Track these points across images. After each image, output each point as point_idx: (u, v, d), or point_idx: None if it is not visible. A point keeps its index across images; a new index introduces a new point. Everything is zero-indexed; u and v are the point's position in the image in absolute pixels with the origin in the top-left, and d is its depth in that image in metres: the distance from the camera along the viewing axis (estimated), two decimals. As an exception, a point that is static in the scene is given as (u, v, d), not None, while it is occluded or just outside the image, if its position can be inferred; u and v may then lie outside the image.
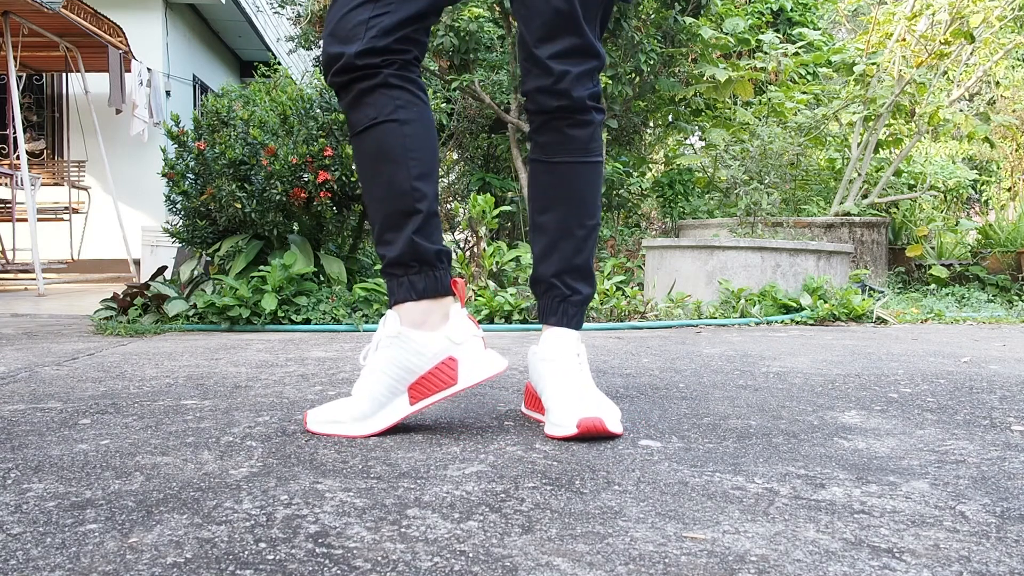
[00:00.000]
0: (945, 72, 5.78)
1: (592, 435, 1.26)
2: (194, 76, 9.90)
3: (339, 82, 1.32)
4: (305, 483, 1.04)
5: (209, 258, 3.72)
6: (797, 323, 3.61)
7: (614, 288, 3.78)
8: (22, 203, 7.03)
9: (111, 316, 3.39)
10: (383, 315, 3.33)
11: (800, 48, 6.57)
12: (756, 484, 1.04)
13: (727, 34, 6.23)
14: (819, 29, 8.35)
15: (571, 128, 1.40)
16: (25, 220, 6.91)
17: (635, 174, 6.68)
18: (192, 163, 3.66)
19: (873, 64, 5.43)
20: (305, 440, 1.28)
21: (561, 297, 1.43)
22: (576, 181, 1.43)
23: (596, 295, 3.68)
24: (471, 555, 0.80)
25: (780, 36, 7.23)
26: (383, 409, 1.30)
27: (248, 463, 1.14)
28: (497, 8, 5.02)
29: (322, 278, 3.62)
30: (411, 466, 1.12)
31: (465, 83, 5.36)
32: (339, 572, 0.76)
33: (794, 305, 3.72)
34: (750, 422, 1.43)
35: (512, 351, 2.49)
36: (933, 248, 5.60)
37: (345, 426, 1.30)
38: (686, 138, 8.14)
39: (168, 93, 8.84)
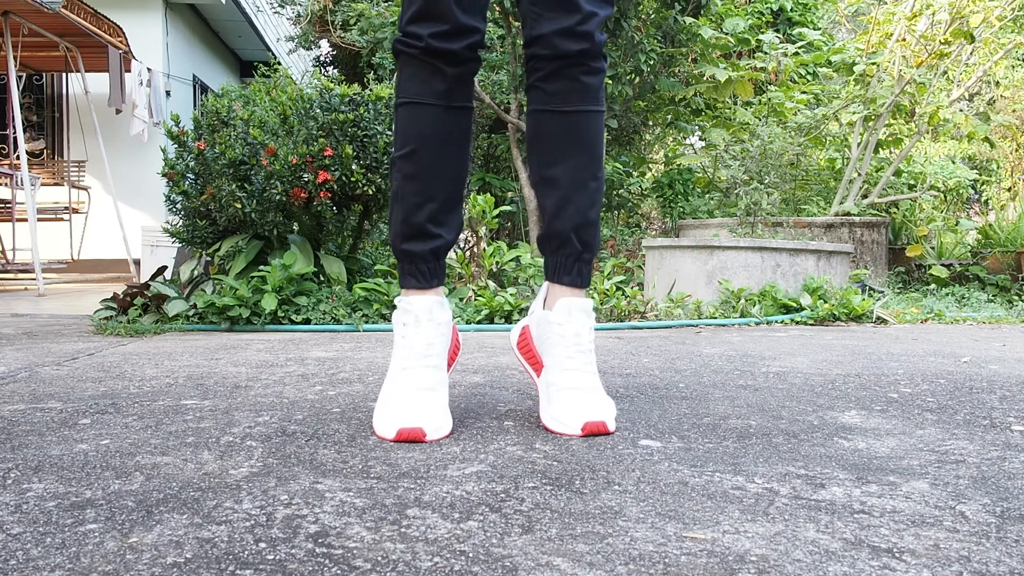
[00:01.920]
0: (945, 72, 5.78)
1: (592, 434, 1.28)
2: (194, 76, 9.90)
3: None
4: (305, 483, 1.04)
5: (209, 258, 3.72)
6: (797, 323, 3.61)
7: (614, 288, 3.78)
8: (22, 203, 7.03)
9: (111, 316, 3.39)
10: (384, 315, 3.34)
11: (800, 48, 6.57)
12: (756, 484, 1.04)
13: (727, 34, 6.23)
14: (819, 29, 8.35)
15: (586, 76, 1.37)
16: (25, 220, 6.91)
17: (635, 174, 6.68)
18: (192, 163, 3.66)
19: (873, 64, 5.43)
20: (305, 440, 1.28)
21: (575, 255, 1.40)
22: (589, 131, 1.39)
23: (596, 295, 3.68)
24: (471, 555, 0.80)
25: (780, 36, 7.23)
26: None
27: (248, 463, 1.14)
28: (497, 8, 5.01)
29: (322, 278, 3.62)
30: (411, 466, 1.12)
31: (465, 83, 5.35)
32: (339, 572, 0.76)
33: (794, 305, 3.72)
34: (750, 422, 1.43)
35: (512, 351, 2.48)
36: (933, 248, 5.60)
37: None
38: (686, 138, 8.14)
39: (168, 93, 8.84)
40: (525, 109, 1.47)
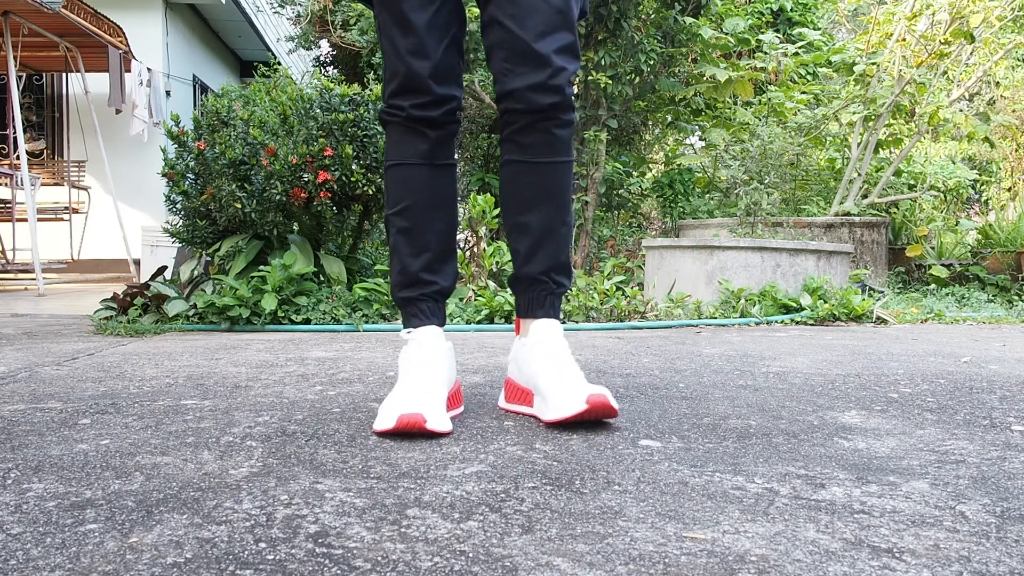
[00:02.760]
0: (945, 72, 5.78)
1: (599, 412, 1.31)
2: (194, 76, 9.90)
3: None
4: (305, 483, 1.04)
5: (209, 258, 3.72)
6: (797, 323, 3.61)
7: (614, 288, 3.78)
8: (22, 203, 7.03)
9: (111, 316, 3.39)
10: (384, 315, 3.34)
11: (800, 48, 6.57)
12: (756, 484, 1.04)
13: (727, 34, 6.23)
14: (819, 29, 8.35)
15: (558, 128, 1.44)
16: (25, 220, 6.91)
17: (635, 174, 6.68)
18: (192, 163, 3.66)
19: (873, 64, 5.43)
20: (305, 440, 1.28)
21: (548, 291, 1.49)
22: (561, 180, 1.48)
23: (596, 295, 3.68)
24: (471, 555, 0.80)
25: (780, 36, 7.23)
26: None
27: (248, 463, 1.14)
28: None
29: (322, 278, 3.62)
30: (411, 466, 1.12)
31: (464, 83, 5.35)
32: (339, 572, 0.76)
33: (794, 305, 3.72)
34: (750, 422, 1.43)
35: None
36: (933, 248, 5.60)
37: None
38: (686, 138, 8.14)
39: (168, 93, 8.84)
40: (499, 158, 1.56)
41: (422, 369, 1.39)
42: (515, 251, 1.51)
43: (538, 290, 1.49)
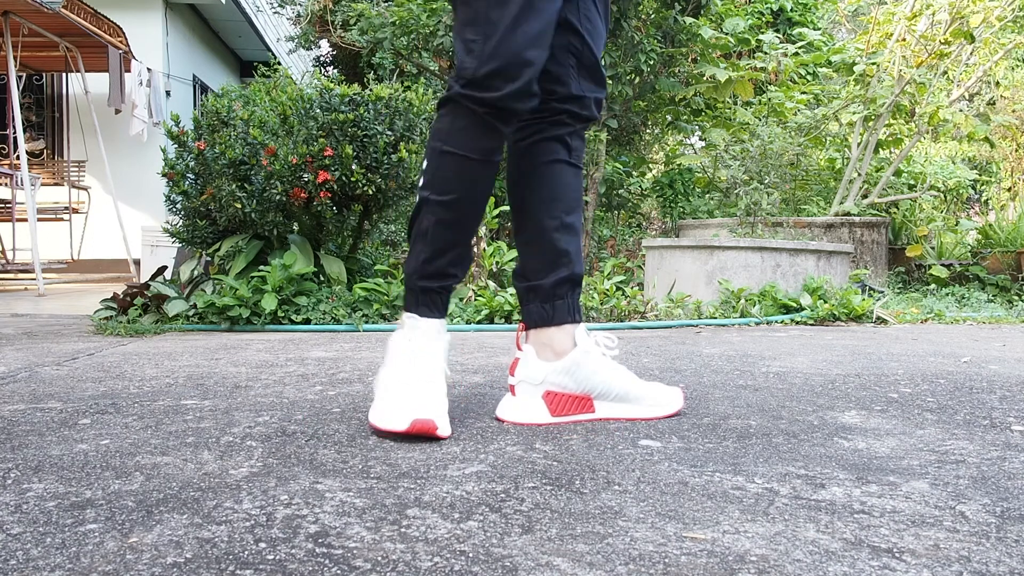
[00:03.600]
0: (945, 72, 5.78)
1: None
2: (194, 76, 9.90)
3: None
4: (305, 483, 1.04)
5: (209, 258, 3.72)
6: (797, 323, 3.61)
7: (614, 288, 3.78)
8: (22, 203, 7.03)
9: (111, 316, 3.39)
10: (384, 315, 3.34)
11: (800, 48, 6.57)
12: (756, 484, 1.04)
13: (727, 34, 6.23)
14: (819, 29, 8.35)
15: (584, 140, 1.56)
16: (25, 220, 6.91)
17: (635, 174, 6.68)
18: (192, 163, 3.66)
19: (873, 64, 5.43)
20: (305, 440, 1.28)
21: (579, 294, 1.51)
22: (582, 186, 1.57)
23: (596, 295, 3.68)
24: (471, 555, 0.80)
25: (780, 36, 7.23)
26: None
27: (248, 463, 1.14)
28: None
29: (322, 278, 3.62)
30: (411, 466, 1.12)
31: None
32: (339, 572, 0.76)
33: (794, 305, 3.72)
34: (750, 422, 1.43)
35: (512, 351, 2.49)
36: (933, 248, 5.60)
37: None
38: (686, 138, 8.14)
39: (168, 93, 8.84)
40: (530, 154, 1.51)
41: (427, 359, 1.37)
42: (564, 252, 1.48)
43: (576, 293, 1.50)
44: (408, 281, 1.44)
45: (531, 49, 1.31)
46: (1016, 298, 4.70)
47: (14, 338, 2.91)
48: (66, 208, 8.28)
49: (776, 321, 3.61)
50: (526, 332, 1.49)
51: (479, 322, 3.40)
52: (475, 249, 4.08)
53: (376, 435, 1.31)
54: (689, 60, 6.12)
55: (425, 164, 1.40)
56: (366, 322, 3.28)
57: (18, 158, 6.51)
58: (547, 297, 1.47)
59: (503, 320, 3.43)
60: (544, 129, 1.48)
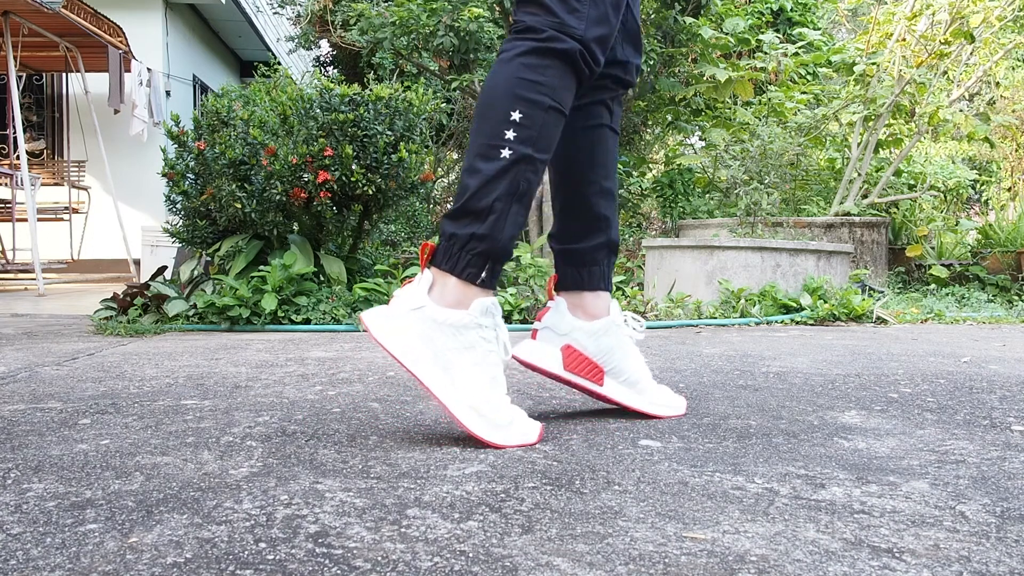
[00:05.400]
0: (945, 72, 5.78)
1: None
2: (194, 76, 9.90)
3: None
4: (305, 483, 1.04)
5: (209, 258, 3.72)
6: (797, 323, 3.61)
7: (614, 288, 3.78)
8: (22, 203, 7.03)
9: (111, 316, 3.39)
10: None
11: (800, 48, 6.57)
12: (756, 484, 1.04)
13: (727, 34, 6.23)
14: (819, 29, 8.35)
15: (621, 104, 1.56)
16: (25, 220, 6.91)
17: (635, 174, 6.68)
18: (192, 163, 3.66)
19: (873, 64, 5.43)
20: (305, 440, 1.28)
21: (612, 261, 1.50)
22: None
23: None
24: (471, 555, 0.80)
25: (780, 36, 7.23)
26: None
27: (248, 463, 1.14)
28: (497, 8, 5.02)
29: (322, 278, 3.62)
30: (411, 466, 1.12)
31: (465, 83, 5.36)
32: (339, 572, 0.76)
33: (794, 305, 3.72)
34: (750, 422, 1.43)
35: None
36: (933, 248, 5.60)
37: None
38: (686, 138, 8.14)
39: (168, 93, 8.84)
40: (574, 118, 1.45)
41: (502, 367, 1.27)
42: (604, 217, 1.47)
43: (611, 260, 1.48)
44: (499, 252, 1.26)
45: (618, 16, 1.33)
46: (1016, 298, 4.70)
47: (14, 338, 2.91)
48: (66, 208, 8.28)
49: (776, 321, 3.61)
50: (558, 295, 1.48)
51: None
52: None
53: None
54: (689, 60, 6.13)
55: (521, 117, 1.24)
56: (360, 323, 3.28)
57: (18, 158, 6.51)
58: (583, 262, 1.46)
59: (503, 318, 3.42)
60: (588, 93, 1.45)
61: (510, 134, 1.24)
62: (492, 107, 1.26)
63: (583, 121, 1.46)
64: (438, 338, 1.22)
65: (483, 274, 1.24)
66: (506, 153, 1.24)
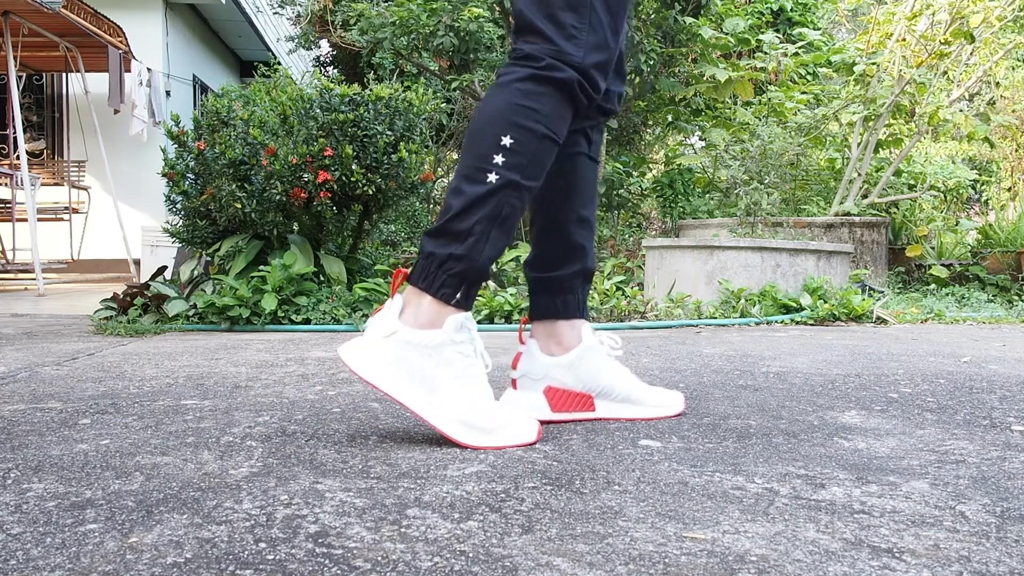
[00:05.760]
0: (945, 72, 5.78)
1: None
2: (194, 76, 9.90)
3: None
4: (305, 483, 1.04)
5: (209, 258, 3.72)
6: (797, 323, 3.61)
7: (614, 288, 3.78)
8: (22, 203, 7.03)
9: (111, 316, 3.39)
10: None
11: (800, 48, 6.57)
12: (756, 484, 1.04)
13: (727, 34, 6.23)
14: (819, 29, 8.35)
15: (602, 133, 1.57)
16: (25, 220, 6.91)
17: (635, 174, 6.68)
18: (192, 163, 3.66)
19: (873, 64, 5.43)
20: (305, 440, 1.28)
21: (586, 289, 1.50)
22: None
23: (596, 295, 3.68)
24: (471, 555, 0.80)
25: (780, 36, 7.23)
26: None
27: (248, 463, 1.14)
28: (497, 8, 5.02)
29: (322, 278, 3.62)
30: (411, 466, 1.12)
31: (465, 83, 5.36)
32: (339, 572, 0.76)
33: (794, 305, 3.72)
34: (750, 422, 1.43)
35: (512, 351, 2.48)
36: (933, 248, 5.60)
37: None
38: (686, 138, 8.14)
39: (168, 93, 8.84)
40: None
41: (484, 373, 1.29)
42: (580, 247, 1.47)
43: (587, 288, 1.49)
44: (476, 272, 1.26)
45: (619, 41, 1.32)
46: (1016, 298, 4.70)
47: (14, 338, 2.90)
48: (66, 208, 8.28)
49: (776, 321, 3.61)
50: (531, 325, 1.48)
51: (479, 322, 3.40)
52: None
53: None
54: (689, 60, 6.12)
55: (511, 143, 1.24)
56: (366, 322, 3.28)
57: (18, 158, 6.51)
58: (558, 290, 1.46)
59: (503, 320, 3.43)
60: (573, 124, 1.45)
61: (499, 159, 1.24)
62: (483, 131, 1.26)
63: (562, 149, 1.43)
64: (414, 359, 1.23)
65: (458, 295, 1.25)
66: (492, 177, 1.24)
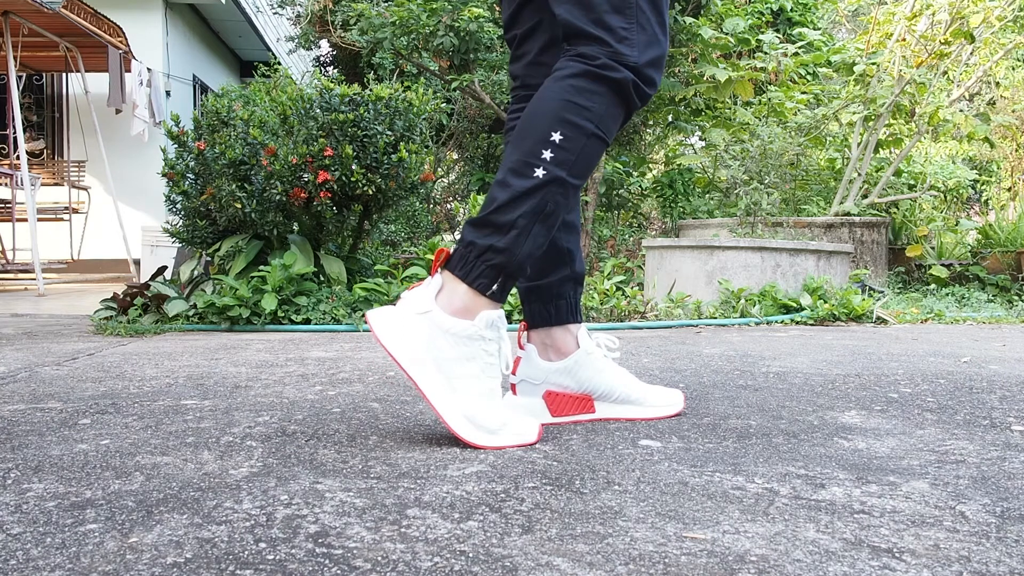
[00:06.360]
0: (945, 72, 5.78)
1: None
2: (194, 76, 9.90)
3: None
4: (305, 483, 1.04)
5: (209, 258, 3.72)
6: (797, 323, 3.61)
7: (614, 288, 3.78)
8: (22, 203, 7.03)
9: (111, 316, 3.39)
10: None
11: (800, 48, 6.56)
12: (756, 484, 1.04)
13: (727, 34, 6.23)
14: (819, 29, 8.35)
15: None
16: (25, 220, 6.91)
17: (635, 174, 6.68)
18: (192, 163, 3.66)
19: (873, 64, 5.43)
20: (305, 440, 1.28)
21: (578, 292, 1.50)
22: None
23: (596, 295, 3.68)
24: (471, 555, 0.80)
25: (780, 36, 7.23)
26: None
27: (248, 463, 1.14)
28: (497, 8, 5.01)
29: (322, 278, 3.62)
30: (411, 466, 1.12)
31: (465, 83, 5.36)
32: (339, 572, 0.76)
33: (794, 305, 3.72)
34: (750, 422, 1.43)
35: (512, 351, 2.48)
36: (933, 248, 5.60)
37: None
38: (686, 138, 8.14)
39: (168, 93, 8.84)
40: None
41: (500, 379, 1.29)
42: (567, 252, 1.46)
43: (579, 291, 1.48)
44: (515, 267, 1.25)
45: (667, 33, 1.30)
46: (1016, 298, 4.70)
47: (14, 338, 2.91)
48: (66, 208, 8.28)
49: (776, 321, 3.61)
50: (527, 331, 1.48)
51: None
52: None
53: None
54: (689, 60, 6.12)
55: (561, 139, 1.24)
56: (365, 322, 3.28)
57: (18, 158, 6.51)
58: (549, 297, 1.46)
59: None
60: None
61: (547, 154, 1.24)
62: (534, 125, 1.26)
63: None
64: (442, 345, 1.22)
65: (494, 286, 1.24)
66: (539, 172, 1.24)
